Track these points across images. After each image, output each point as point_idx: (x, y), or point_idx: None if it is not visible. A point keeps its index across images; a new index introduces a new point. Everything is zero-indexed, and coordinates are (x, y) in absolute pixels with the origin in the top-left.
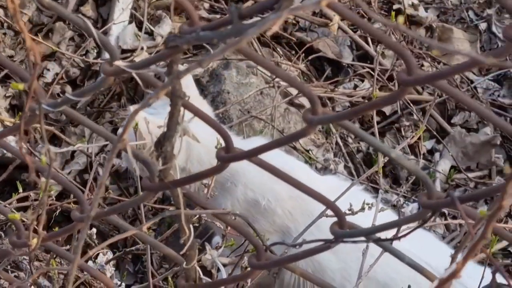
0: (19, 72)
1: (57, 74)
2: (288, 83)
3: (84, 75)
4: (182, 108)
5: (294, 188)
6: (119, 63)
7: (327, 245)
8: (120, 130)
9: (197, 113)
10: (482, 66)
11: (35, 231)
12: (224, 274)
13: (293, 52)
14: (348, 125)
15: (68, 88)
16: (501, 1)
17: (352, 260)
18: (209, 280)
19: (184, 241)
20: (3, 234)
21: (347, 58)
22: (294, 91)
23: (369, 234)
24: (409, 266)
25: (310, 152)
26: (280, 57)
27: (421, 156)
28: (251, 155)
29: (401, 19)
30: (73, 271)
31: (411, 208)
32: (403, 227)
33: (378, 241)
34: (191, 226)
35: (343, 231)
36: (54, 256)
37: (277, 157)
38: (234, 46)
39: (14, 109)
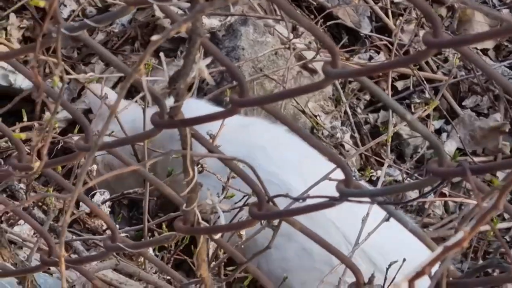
0: None
1: (73, 11)
2: (310, 31)
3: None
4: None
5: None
6: None
7: (331, 202)
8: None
9: (215, 54)
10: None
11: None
12: (223, 220)
13: (312, 16)
14: (365, 82)
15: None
16: None
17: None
18: (207, 225)
19: (187, 182)
20: (2, 161)
21: (366, 28)
22: (309, 56)
23: (375, 196)
24: (412, 233)
25: (318, 117)
26: None
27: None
28: (264, 101)
29: None
30: (75, 196)
31: None
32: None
33: (382, 204)
34: (195, 168)
35: (349, 190)
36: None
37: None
38: None
39: (26, 41)
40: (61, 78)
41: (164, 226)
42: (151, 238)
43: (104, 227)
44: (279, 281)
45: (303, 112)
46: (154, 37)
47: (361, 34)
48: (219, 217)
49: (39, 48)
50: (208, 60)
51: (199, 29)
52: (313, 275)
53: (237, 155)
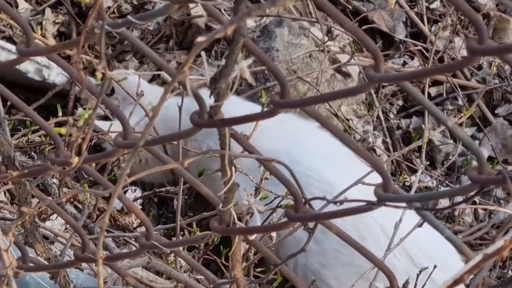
0: None
1: (109, 7)
2: (353, 35)
3: (135, 12)
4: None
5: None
6: None
7: (368, 206)
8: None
9: (258, 55)
10: None
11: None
12: (259, 221)
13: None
14: (407, 87)
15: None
16: None
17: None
18: (243, 226)
19: (224, 183)
20: (36, 156)
21: (400, 33)
22: (343, 59)
23: (412, 202)
24: (448, 240)
25: (350, 121)
26: (334, 23)
27: (460, 142)
28: (304, 103)
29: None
30: (115, 197)
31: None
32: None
33: (419, 210)
34: (233, 168)
35: (387, 195)
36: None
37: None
38: None
39: (61, 36)
40: (104, 75)
41: (194, 225)
42: (184, 237)
43: (135, 224)
44: (315, 275)
45: (336, 115)
46: (199, 39)
47: (396, 39)
48: (251, 216)
49: (82, 44)
50: (250, 60)
51: (242, 29)
52: (350, 270)
53: (274, 151)
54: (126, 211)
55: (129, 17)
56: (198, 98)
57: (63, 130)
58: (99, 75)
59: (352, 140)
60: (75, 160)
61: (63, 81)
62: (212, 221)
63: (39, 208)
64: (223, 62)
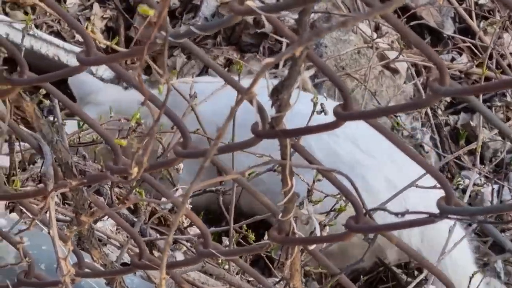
0: None
1: (157, 2)
2: (417, 47)
3: (183, 7)
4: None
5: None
6: (250, 3)
7: (431, 219)
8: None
9: (320, 65)
10: None
11: None
12: (318, 231)
13: (396, 15)
14: (473, 100)
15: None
16: None
17: None
18: (302, 236)
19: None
20: (87, 155)
21: (449, 29)
22: (391, 55)
23: (475, 215)
24: (510, 252)
25: (398, 118)
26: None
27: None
28: (368, 116)
29: None
30: (182, 212)
31: (490, 189)
32: None
33: (482, 223)
34: (294, 179)
35: (450, 208)
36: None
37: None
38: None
39: (109, 31)
40: (167, 86)
41: (245, 226)
42: (235, 239)
43: (185, 223)
44: None
45: None
46: (267, 60)
47: (444, 35)
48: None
49: (145, 55)
50: (312, 71)
51: None
52: None
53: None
54: (176, 211)
55: (191, 27)
56: (262, 111)
57: (123, 141)
58: (161, 87)
59: (416, 153)
60: (135, 170)
61: (111, 76)
62: (271, 230)
63: (97, 217)
64: (285, 72)
